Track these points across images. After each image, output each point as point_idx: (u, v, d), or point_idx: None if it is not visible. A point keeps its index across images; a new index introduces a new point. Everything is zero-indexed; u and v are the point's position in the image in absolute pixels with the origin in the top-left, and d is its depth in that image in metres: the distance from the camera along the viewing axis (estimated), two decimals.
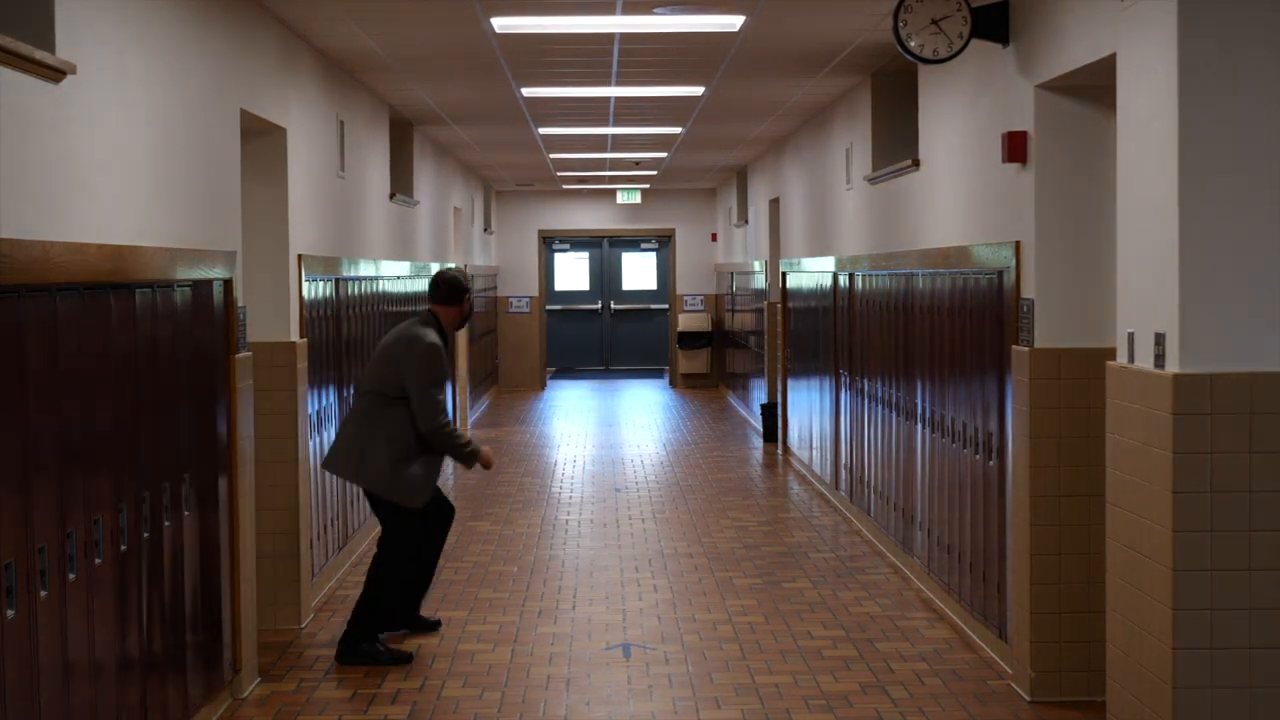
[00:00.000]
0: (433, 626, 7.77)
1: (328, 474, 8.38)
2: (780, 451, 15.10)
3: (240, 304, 6.78)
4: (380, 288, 10.93)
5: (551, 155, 16.79)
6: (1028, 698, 6.53)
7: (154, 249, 5.53)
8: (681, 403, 21.34)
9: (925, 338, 8.45)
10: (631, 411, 20.14)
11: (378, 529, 9.66)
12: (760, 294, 17.31)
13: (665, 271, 25.90)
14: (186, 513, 5.91)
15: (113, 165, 5.21)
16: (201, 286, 6.20)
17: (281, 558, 7.86)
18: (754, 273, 18.18)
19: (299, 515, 7.93)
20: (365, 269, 10.21)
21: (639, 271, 27.01)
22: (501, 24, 8.18)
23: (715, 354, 23.96)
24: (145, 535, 5.37)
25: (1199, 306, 4.84)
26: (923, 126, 8.67)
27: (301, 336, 8.05)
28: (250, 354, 7.00)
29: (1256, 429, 4.83)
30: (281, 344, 7.81)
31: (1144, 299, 5.13)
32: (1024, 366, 6.52)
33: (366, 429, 7.25)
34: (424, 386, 7.18)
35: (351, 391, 9.42)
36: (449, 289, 7.50)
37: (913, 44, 6.80)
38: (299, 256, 8.08)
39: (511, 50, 9.11)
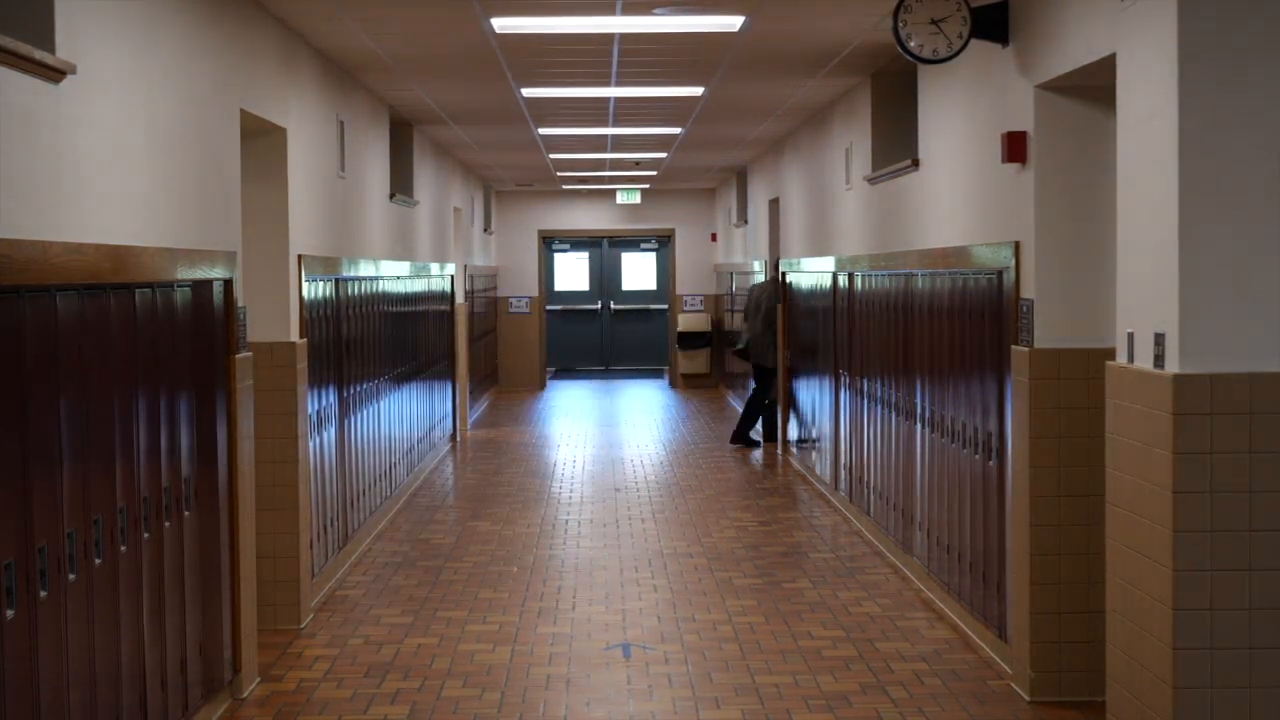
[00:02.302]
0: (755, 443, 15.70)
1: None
2: (780, 451, 15.10)
3: (240, 304, 6.79)
4: (380, 288, 10.93)
5: (551, 155, 16.79)
6: (1028, 698, 6.53)
7: (154, 249, 5.53)
8: (681, 403, 21.33)
9: (925, 338, 8.45)
10: (631, 411, 20.14)
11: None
12: None
13: (665, 271, 25.90)
14: (186, 512, 5.91)
15: (112, 165, 5.21)
16: (201, 286, 6.20)
17: (281, 558, 7.86)
18: (754, 273, 18.17)
19: (299, 515, 7.93)
20: (365, 269, 10.21)
21: (639, 271, 27.01)
22: (501, 24, 8.18)
23: (715, 354, 23.95)
24: (145, 535, 5.37)
25: (1199, 306, 4.84)
26: (922, 126, 8.67)
27: (301, 337, 8.06)
28: (250, 354, 7.00)
29: (1256, 429, 4.83)
30: (281, 344, 7.81)
31: (1144, 299, 5.13)
32: (1024, 366, 6.52)
33: (761, 340, 15.29)
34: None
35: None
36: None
37: (912, 44, 6.80)
38: (299, 257, 8.08)
39: (511, 50, 9.11)
